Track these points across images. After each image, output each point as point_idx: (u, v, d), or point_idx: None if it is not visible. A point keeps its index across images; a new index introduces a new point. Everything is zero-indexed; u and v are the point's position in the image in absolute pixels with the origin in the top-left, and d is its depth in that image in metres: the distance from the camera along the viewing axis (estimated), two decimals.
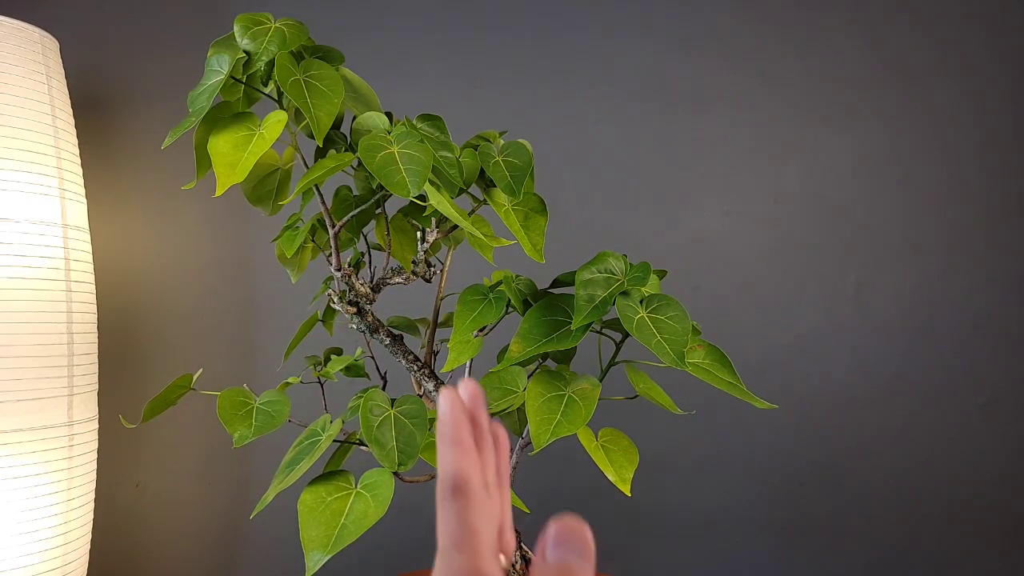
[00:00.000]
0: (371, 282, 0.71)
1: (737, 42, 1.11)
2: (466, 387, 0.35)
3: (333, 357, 0.78)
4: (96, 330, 1.01)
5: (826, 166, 1.10)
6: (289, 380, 0.76)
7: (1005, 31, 1.08)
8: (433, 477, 0.67)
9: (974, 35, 1.08)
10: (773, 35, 1.11)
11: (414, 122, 0.65)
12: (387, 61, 1.14)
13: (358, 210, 0.67)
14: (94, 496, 1.01)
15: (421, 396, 0.72)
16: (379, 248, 0.75)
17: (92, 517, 1.01)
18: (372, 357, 0.79)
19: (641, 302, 0.62)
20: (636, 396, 0.67)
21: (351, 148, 0.65)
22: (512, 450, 0.71)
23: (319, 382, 0.79)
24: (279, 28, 0.62)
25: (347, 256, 0.73)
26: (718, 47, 1.11)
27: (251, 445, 0.67)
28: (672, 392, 0.67)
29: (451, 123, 0.67)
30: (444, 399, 0.33)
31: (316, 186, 0.65)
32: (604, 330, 0.69)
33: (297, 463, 0.61)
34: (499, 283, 0.69)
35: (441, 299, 0.75)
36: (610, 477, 0.62)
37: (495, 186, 0.67)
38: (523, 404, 0.63)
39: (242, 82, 0.65)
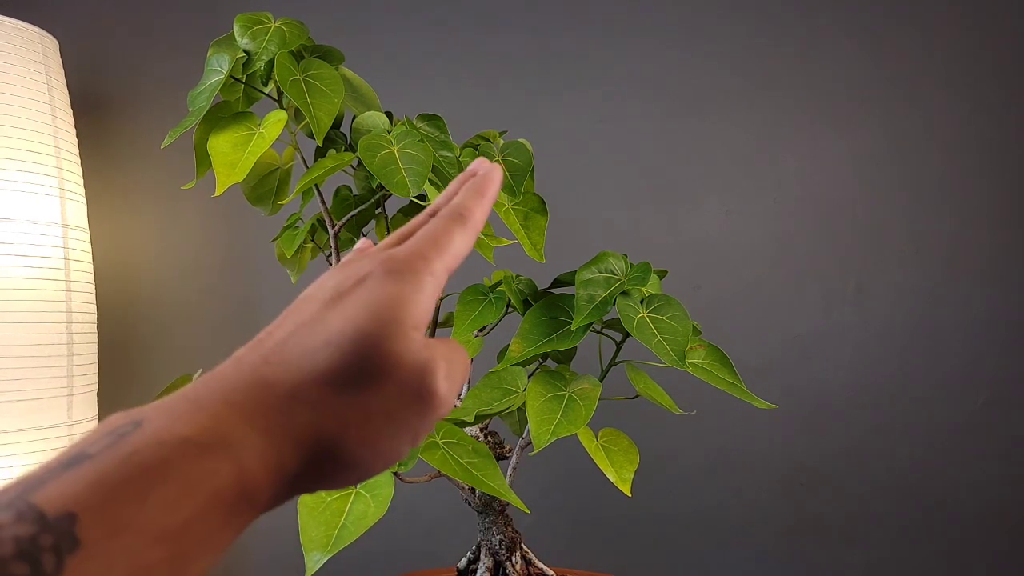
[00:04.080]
0: None
1: (737, 43, 1.11)
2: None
3: None
4: (96, 330, 1.01)
5: (826, 166, 1.10)
6: None
7: (1004, 32, 1.08)
8: (433, 477, 0.67)
9: (974, 35, 1.08)
10: (773, 35, 1.11)
11: (414, 122, 0.65)
12: (387, 61, 1.14)
13: (358, 210, 0.67)
14: None
15: None
16: None
17: None
18: None
19: (641, 302, 0.62)
20: (636, 396, 0.67)
21: (351, 148, 0.65)
22: (512, 450, 0.71)
23: None
24: (279, 28, 0.62)
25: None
26: (718, 47, 1.11)
27: None
28: (672, 392, 0.67)
29: (451, 123, 0.67)
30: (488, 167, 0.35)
31: (316, 186, 0.65)
32: (604, 330, 0.69)
33: None
34: (499, 283, 0.68)
35: (441, 299, 0.75)
36: (610, 477, 0.62)
37: None
38: (523, 404, 0.63)
39: (242, 82, 0.65)
